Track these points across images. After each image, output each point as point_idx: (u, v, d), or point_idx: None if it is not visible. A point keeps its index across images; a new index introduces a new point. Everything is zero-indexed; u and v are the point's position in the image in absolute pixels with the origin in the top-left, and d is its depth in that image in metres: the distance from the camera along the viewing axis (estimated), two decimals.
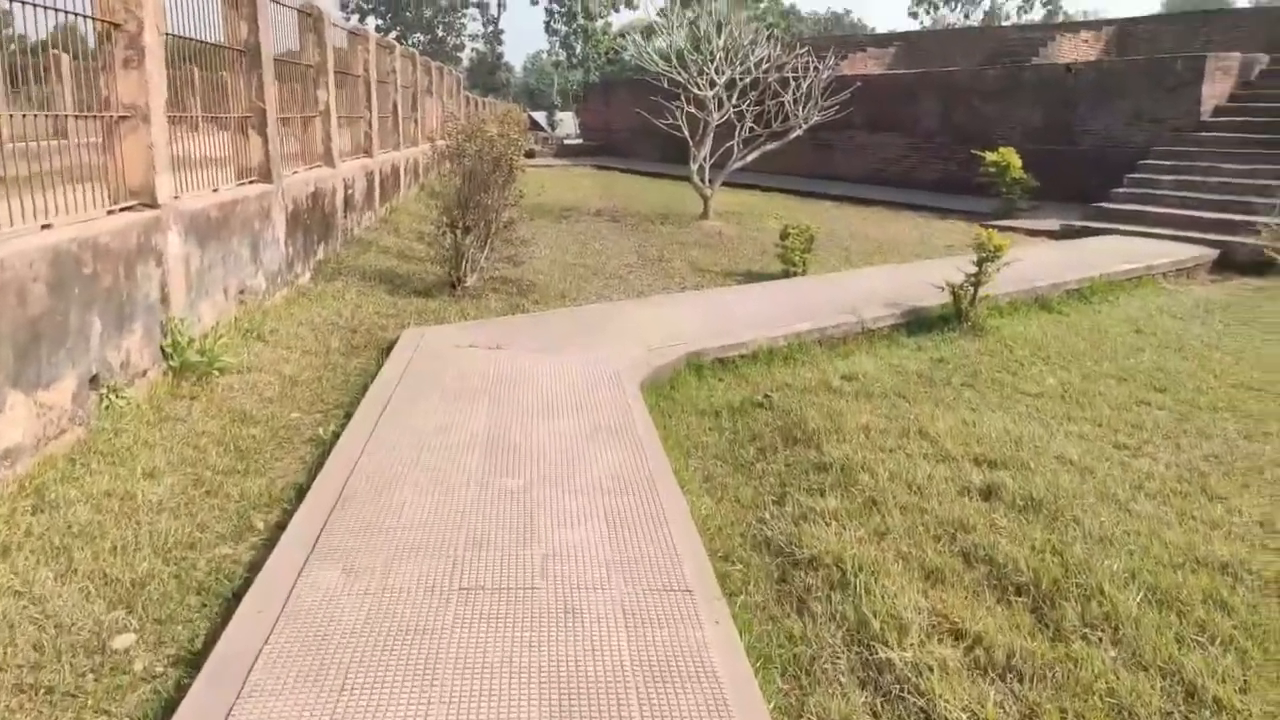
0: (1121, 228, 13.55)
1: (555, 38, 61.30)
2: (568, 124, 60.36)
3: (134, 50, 5.53)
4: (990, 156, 16.23)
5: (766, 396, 6.15)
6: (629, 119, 30.98)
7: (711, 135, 15.27)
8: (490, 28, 69.06)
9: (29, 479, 4.13)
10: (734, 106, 15.20)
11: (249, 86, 7.99)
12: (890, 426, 5.48)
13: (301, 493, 4.31)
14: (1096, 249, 12.07)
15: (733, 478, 4.91)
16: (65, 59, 7.47)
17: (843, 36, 24.47)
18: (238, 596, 3.47)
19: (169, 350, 5.72)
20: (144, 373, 5.48)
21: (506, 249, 10.17)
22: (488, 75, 67.48)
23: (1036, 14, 58.54)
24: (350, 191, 11.23)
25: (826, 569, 3.78)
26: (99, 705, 2.89)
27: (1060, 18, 54.51)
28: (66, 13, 5.04)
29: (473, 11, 70.96)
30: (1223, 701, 2.98)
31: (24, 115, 4.60)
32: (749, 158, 15.51)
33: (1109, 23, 21.58)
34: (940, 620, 3.40)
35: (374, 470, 4.28)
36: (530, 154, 18.78)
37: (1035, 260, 10.66)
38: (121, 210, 5.47)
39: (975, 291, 8.19)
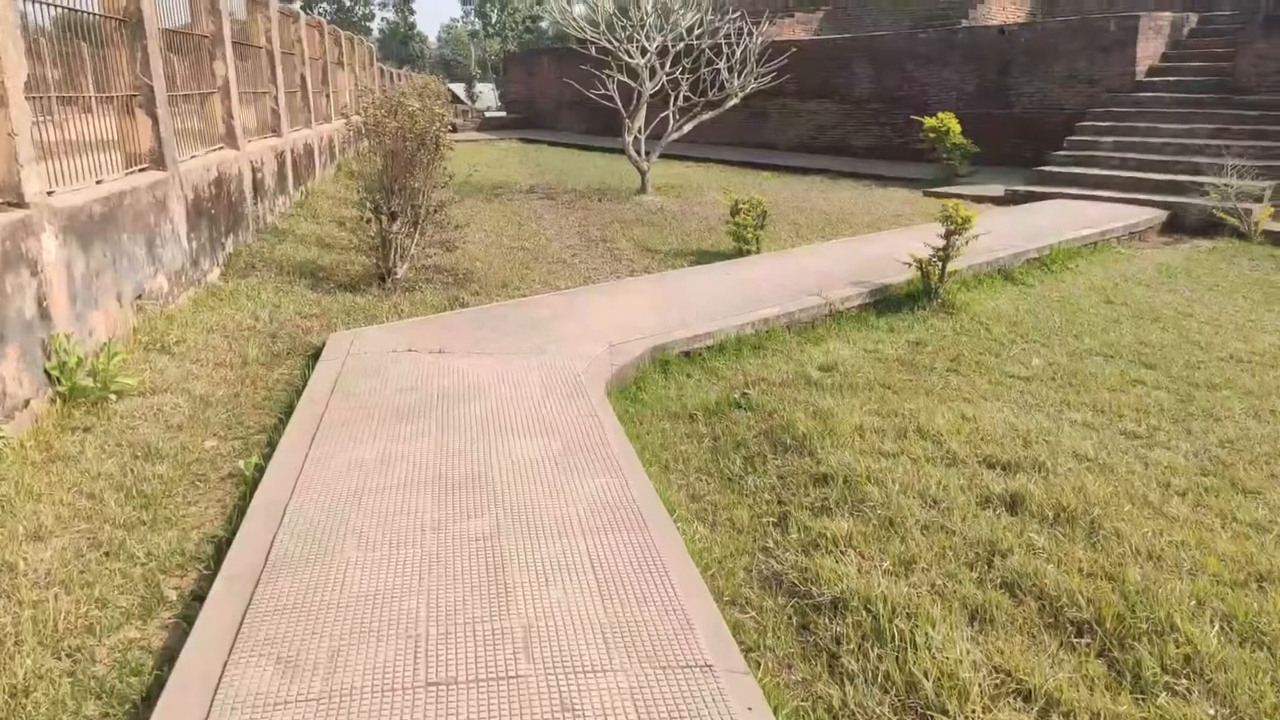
0: (1066, 191, 13.35)
1: (469, 6, 59.43)
2: (488, 96, 58.70)
3: None
4: (929, 122, 15.92)
5: (743, 394, 5.58)
6: (554, 90, 29.98)
7: (645, 105, 14.57)
8: None
9: None
10: (667, 75, 14.51)
11: (133, 61, 7.00)
12: (885, 425, 4.97)
13: (221, 549, 3.58)
14: (1048, 214, 11.81)
15: (722, 495, 4.33)
16: None
17: (769, 1, 23.90)
18: (149, 700, 2.76)
19: (55, 374, 4.86)
20: (25, 404, 4.62)
21: (439, 233, 9.37)
22: (400, 46, 65.14)
23: None
24: (259, 175, 10.23)
25: (855, 614, 3.23)
26: None
27: None
28: None
29: None
30: None
31: None
32: (685, 128, 14.87)
33: None
34: (1002, 677, 2.88)
35: (307, 521, 3.56)
36: (453, 128, 17.77)
37: (991, 229, 10.30)
38: None
39: (944, 267, 7.76)
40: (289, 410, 5.08)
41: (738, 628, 3.22)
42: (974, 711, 2.73)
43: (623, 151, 15.40)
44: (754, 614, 3.35)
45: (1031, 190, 13.65)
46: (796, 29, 24.10)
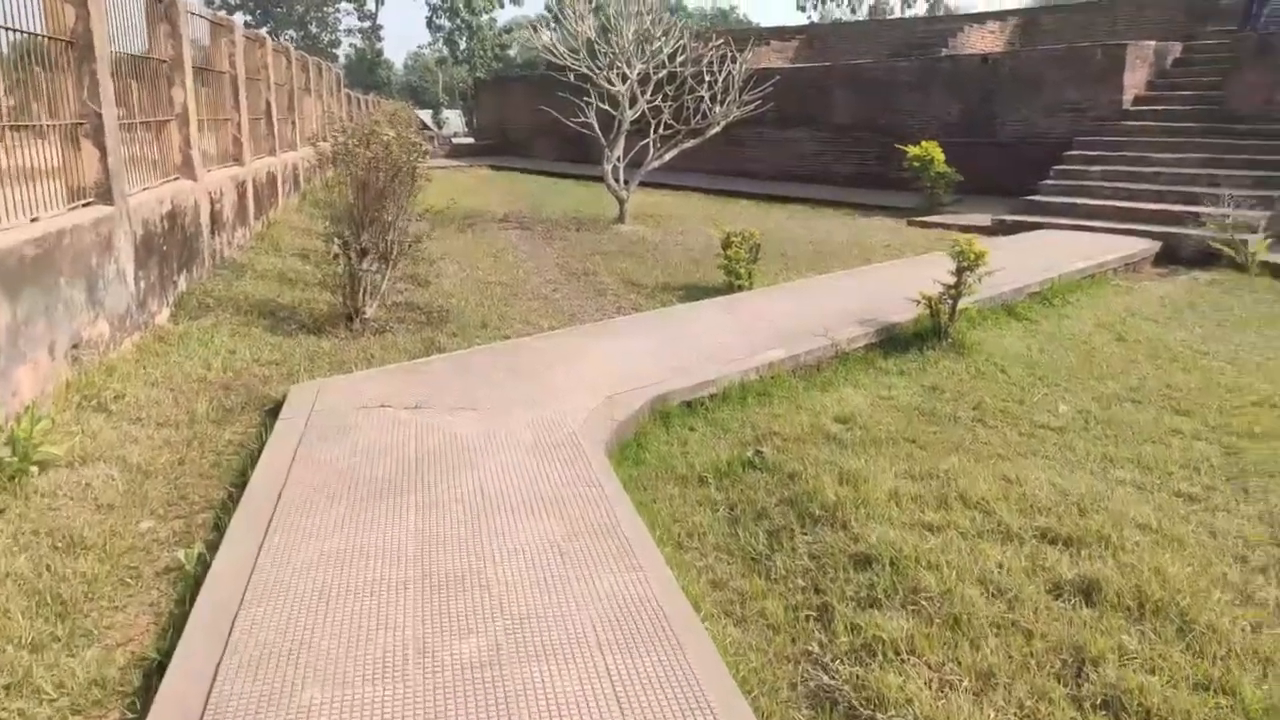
0: (1056, 221, 13.04)
1: (439, 34, 59.08)
2: (454, 122, 58.21)
3: None
4: (912, 151, 15.61)
5: (757, 453, 5.02)
6: (526, 117, 29.52)
7: (624, 133, 14.10)
8: (368, 23, 66.10)
9: None
10: (648, 102, 14.06)
11: (79, 86, 6.35)
12: (923, 491, 4.43)
13: (152, 679, 2.92)
14: (1041, 246, 11.45)
15: (749, 580, 3.75)
16: None
17: (743, 29, 23.72)
18: None
19: None
20: None
21: (411, 267, 8.78)
22: (367, 73, 64.54)
23: (919, 8, 59.68)
24: (218, 206, 9.57)
25: None
26: None
27: (941, 11, 55.60)
28: None
29: (347, 6, 67.82)
30: None
31: None
32: (666, 156, 14.42)
33: (1014, 13, 21.47)
34: None
35: (259, 644, 2.91)
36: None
37: (989, 262, 9.90)
38: None
39: (955, 305, 7.29)
40: (242, 479, 4.43)
41: None
42: None
43: (597, 179, 14.94)
44: None
45: (1020, 220, 13.33)
46: (772, 57, 23.88)
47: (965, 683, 2.95)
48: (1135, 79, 14.88)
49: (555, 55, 14.25)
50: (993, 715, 2.78)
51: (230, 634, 2.92)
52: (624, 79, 14.04)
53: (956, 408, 5.89)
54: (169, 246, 7.71)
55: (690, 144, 14.26)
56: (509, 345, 6.81)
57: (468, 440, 4.67)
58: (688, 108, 14.21)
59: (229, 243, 10.03)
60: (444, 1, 56.93)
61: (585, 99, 13.96)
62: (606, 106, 14.00)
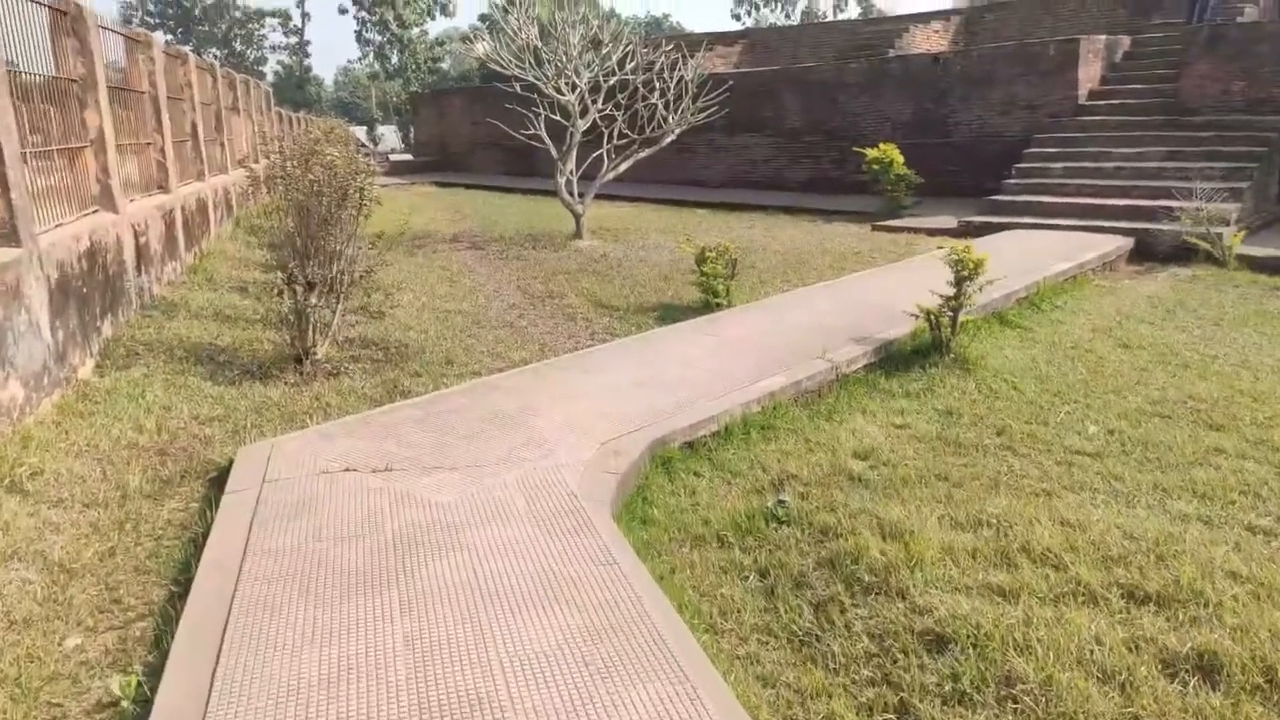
0: (1022, 221, 12.80)
1: (369, 48, 57.74)
2: (390, 138, 56.90)
3: None
4: (871, 153, 15.31)
5: (779, 502, 4.46)
6: (467, 130, 28.73)
7: (576, 144, 13.49)
8: (294, 39, 64.35)
9: None
10: (599, 111, 13.48)
11: None
12: (978, 544, 3.91)
13: None
14: (1015, 247, 11.13)
15: (804, 673, 3.18)
16: None
17: (683, 35, 23.27)
18: None
19: None
20: None
21: (362, 297, 8.06)
22: (295, 90, 62.80)
23: (852, 11, 60.16)
24: (143, 240, 8.71)
25: None
26: None
27: (874, 14, 56.15)
28: None
29: (272, 22, 65.98)
30: None
31: None
32: (622, 167, 13.85)
33: (957, 12, 21.42)
34: None
35: None
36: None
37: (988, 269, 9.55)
38: None
39: (955, 318, 6.85)
40: (185, 575, 3.73)
41: None
42: None
43: (545, 192, 14.34)
44: None
45: (987, 221, 13.06)
46: (716, 62, 23.49)
47: None
48: (1089, 73, 14.77)
49: (501, 64, 13.57)
50: None
51: None
52: (573, 87, 13.44)
53: (980, 434, 5.41)
54: (89, 289, 6.88)
55: (645, 153, 13.72)
56: (481, 385, 6.15)
57: (451, 511, 4.02)
58: (641, 116, 13.67)
59: (158, 279, 9.17)
60: (373, 15, 55.65)
61: (533, 109, 13.33)
62: (557, 117, 13.38)
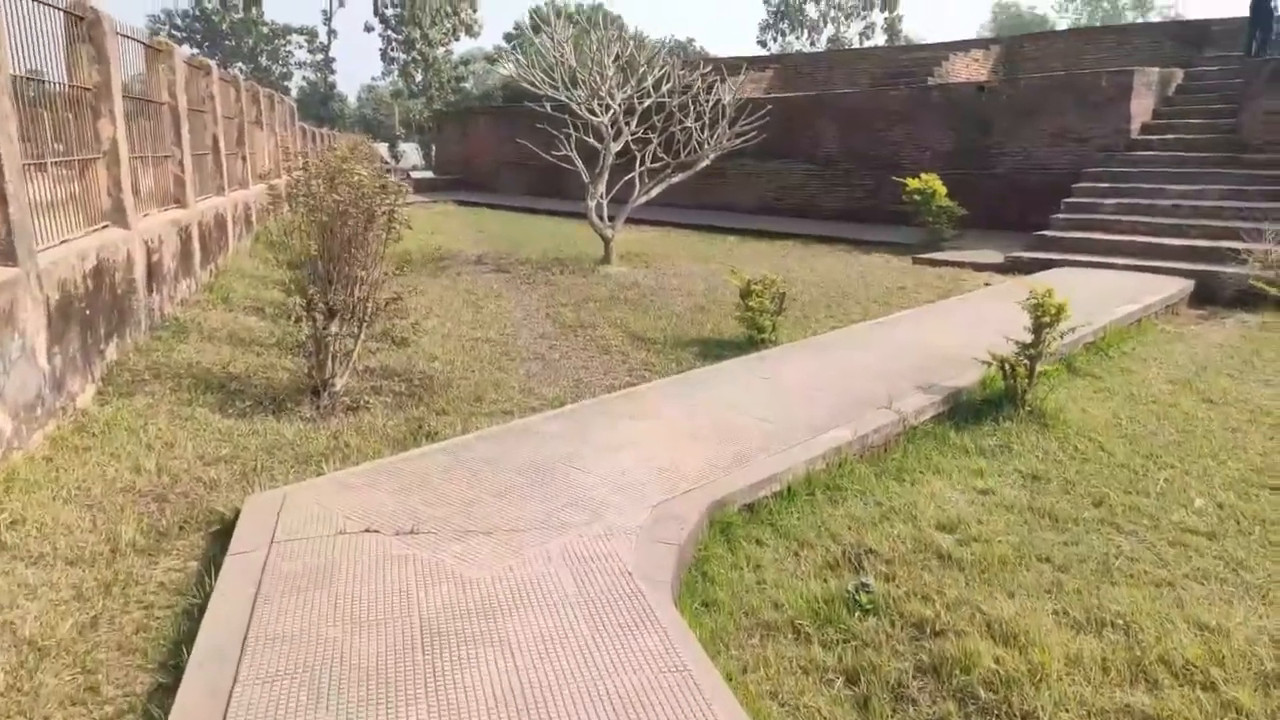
0: (1073, 258, 12.22)
1: (393, 66, 57.92)
2: (411, 156, 56.86)
3: None
4: (911, 183, 14.77)
5: (862, 585, 3.87)
6: (491, 149, 28.41)
7: (608, 167, 13.02)
8: (320, 55, 64.70)
9: None
10: (632, 134, 13.02)
11: None
12: (1107, 653, 3.32)
13: None
14: (1069, 287, 10.47)
15: None
16: None
17: (715, 59, 22.88)
18: None
19: None
20: None
21: (385, 322, 7.54)
22: (320, 105, 63.05)
23: (878, 39, 59.90)
24: (155, 257, 8.25)
25: None
26: None
27: (901, 41, 55.86)
28: None
29: (299, 39, 66.41)
30: None
31: None
32: (654, 191, 13.38)
33: (995, 41, 20.93)
34: None
35: None
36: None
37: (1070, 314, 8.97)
38: None
39: (1033, 367, 6.26)
40: (176, 656, 3.18)
41: None
42: None
43: (570, 214, 13.87)
44: None
45: (1035, 257, 12.47)
46: (748, 86, 23.04)
47: None
48: (1141, 106, 14.22)
49: (532, 83, 13.15)
50: None
51: None
52: (607, 109, 12.99)
53: (1076, 505, 4.82)
54: (94, 310, 6.40)
55: (679, 178, 13.24)
56: (514, 429, 5.59)
57: (486, 592, 3.45)
58: (677, 140, 13.20)
59: (170, 298, 8.70)
60: (399, 34, 55.82)
61: (564, 130, 12.88)
62: (590, 139, 12.92)
